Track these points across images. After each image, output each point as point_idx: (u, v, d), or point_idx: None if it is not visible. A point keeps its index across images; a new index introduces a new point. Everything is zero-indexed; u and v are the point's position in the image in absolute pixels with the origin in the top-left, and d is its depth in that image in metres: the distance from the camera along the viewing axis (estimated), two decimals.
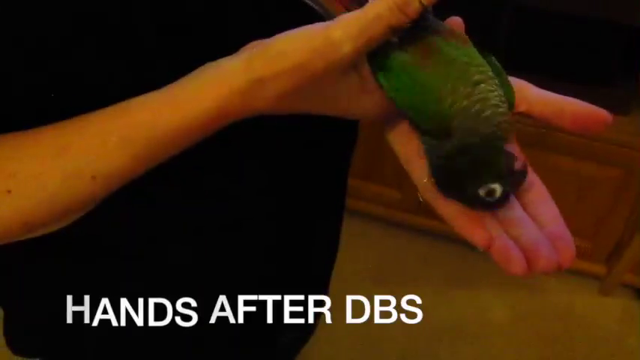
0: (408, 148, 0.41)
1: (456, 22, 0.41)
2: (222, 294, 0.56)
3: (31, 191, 0.37)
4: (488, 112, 0.36)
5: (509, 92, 0.39)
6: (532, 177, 0.39)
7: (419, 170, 0.40)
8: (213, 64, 0.37)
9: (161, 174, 0.39)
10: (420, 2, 0.33)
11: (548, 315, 1.67)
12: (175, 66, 0.38)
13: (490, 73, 0.37)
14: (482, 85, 0.36)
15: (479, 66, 0.37)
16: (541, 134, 1.43)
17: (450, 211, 0.38)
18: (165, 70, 0.38)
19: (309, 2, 0.40)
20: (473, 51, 0.38)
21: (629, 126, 1.43)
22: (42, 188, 0.37)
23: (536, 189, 0.39)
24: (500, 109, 0.36)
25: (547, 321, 1.65)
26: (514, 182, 0.38)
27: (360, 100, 0.39)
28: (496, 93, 0.36)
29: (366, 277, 1.71)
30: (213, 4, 0.40)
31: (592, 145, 1.44)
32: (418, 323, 1.63)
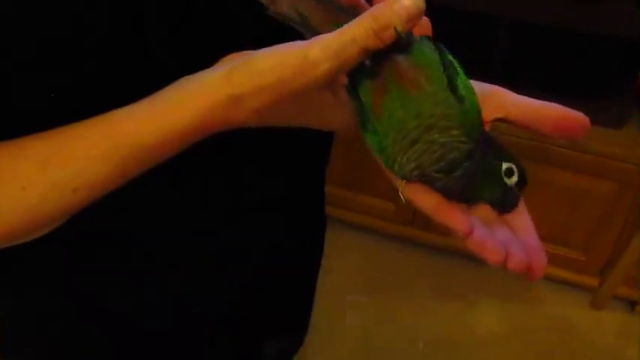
0: None
1: (423, 22, 0.42)
2: (205, 297, 0.56)
3: (12, 204, 0.38)
4: (429, 164, 0.37)
5: (469, 96, 0.38)
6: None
7: None
8: (194, 76, 0.38)
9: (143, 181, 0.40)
10: (395, 29, 0.35)
11: (542, 328, 1.67)
12: (184, 68, 0.38)
13: (435, 118, 0.37)
14: (418, 144, 0.37)
15: (419, 117, 0.37)
16: (535, 147, 1.44)
17: (431, 203, 0.39)
18: (176, 72, 0.38)
19: (296, 23, 0.40)
20: (428, 93, 0.38)
21: (622, 139, 1.44)
22: (23, 201, 0.37)
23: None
24: (442, 153, 0.37)
25: (542, 333, 1.66)
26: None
27: (334, 113, 0.41)
28: (440, 140, 0.37)
29: (359, 288, 1.71)
30: (225, 11, 0.41)
31: (586, 158, 1.45)
32: (413, 336, 1.64)
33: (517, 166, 0.38)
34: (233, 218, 0.53)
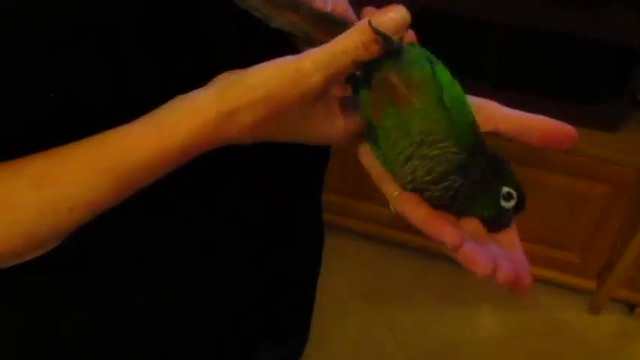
0: (378, 164, 0.43)
1: (409, 33, 0.43)
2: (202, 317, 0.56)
3: (7, 223, 0.38)
4: (421, 177, 0.38)
5: (458, 107, 0.39)
6: None
7: (389, 184, 0.42)
8: (186, 96, 0.38)
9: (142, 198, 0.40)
10: (385, 40, 0.36)
11: (541, 331, 1.67)
12: (163, 89, 0.39)
13: (424, 134, 0.38)
14: (411, 161, 0.38)
15: (409, 135, 0.38)
16: (532, 152, 1.45)
17: (421, 216, 0.39)
18: (154, 92, 0.39)
19: (299, 30, 0.41)
20: (417, 109, 0.39)
21: (617, 143, 1.45)
22: (18, 221, 0.38)
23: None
24: (433, 166, 0.38)
25: (540, 337, 1.66)
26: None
27: (326, 126, 0.42)
28: (430, 154, 0.38)
29: (359, 295, 1.72)
30: (201, 34, 0.42)
31: (581, 161, 1.46)
32: (412, 341, 1.64)
33: (518, 192, 0.39)
34: (225, 234, 0.53)
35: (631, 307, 1.70)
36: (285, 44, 0.43)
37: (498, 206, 0.38)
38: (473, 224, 0.40)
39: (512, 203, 0.38)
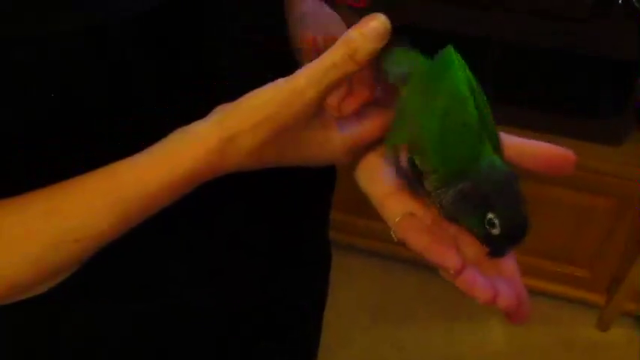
0: (378, 187, 0.44)
1: None
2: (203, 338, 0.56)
3: (16, 256, 0.38)
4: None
5: (450, 115, 0.39)
6: None
7: (391, 209, 0.43)
8: (186, 128, 0.39)
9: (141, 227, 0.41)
10: (367, 51, 0.37)
11: (550, 346, 1.66)
12: (163, 89, 0.40)
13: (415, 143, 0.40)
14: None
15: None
16: None
17: (423, 244, 0.40)
18: (154, 92, 0.40)
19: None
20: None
21: (621, 156, 1.45)
22: (26, 253, 0.38)
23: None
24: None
25: (549, 352, 1.65)
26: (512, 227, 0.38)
27: (325, 144, 0.43)
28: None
29: (366, 312, 1.71)
30: (201, 35, 0.43)
31: (586, 176, 1.46)
32: (421, 357, 1.63)
33: (507, 223, 0.37)
34: (230, 259, 0.54)
35: None
36: (278, 48, 0.44)
37: (484, 228, 0.38)
38: (473, 249, 0.40)
39: (495, 232, 0.37)
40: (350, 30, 0.38)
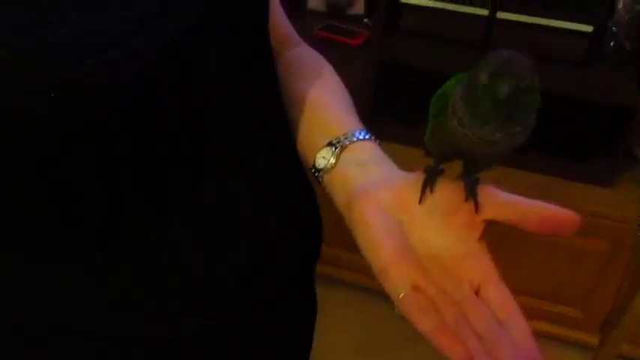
0: (381, 254, 0.44)
1: None
2: None
3: None
4: None
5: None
6: (505, 294, 0.41)
7: (394, 281, 0.42)
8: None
9: None
10: None
11: None
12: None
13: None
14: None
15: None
16: None
17: (429, 327, 0.39)
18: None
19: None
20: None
21: (612, 199, 1.46)
22: None
23: (509, 305, 0.40)
24: None
25: None
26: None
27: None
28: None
29: (350, 348, 1.69)
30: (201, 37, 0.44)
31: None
32: None
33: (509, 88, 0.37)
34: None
35: None
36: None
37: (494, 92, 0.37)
38: (484, 316, 0.39)
39: (502, 91, 0.37)
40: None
